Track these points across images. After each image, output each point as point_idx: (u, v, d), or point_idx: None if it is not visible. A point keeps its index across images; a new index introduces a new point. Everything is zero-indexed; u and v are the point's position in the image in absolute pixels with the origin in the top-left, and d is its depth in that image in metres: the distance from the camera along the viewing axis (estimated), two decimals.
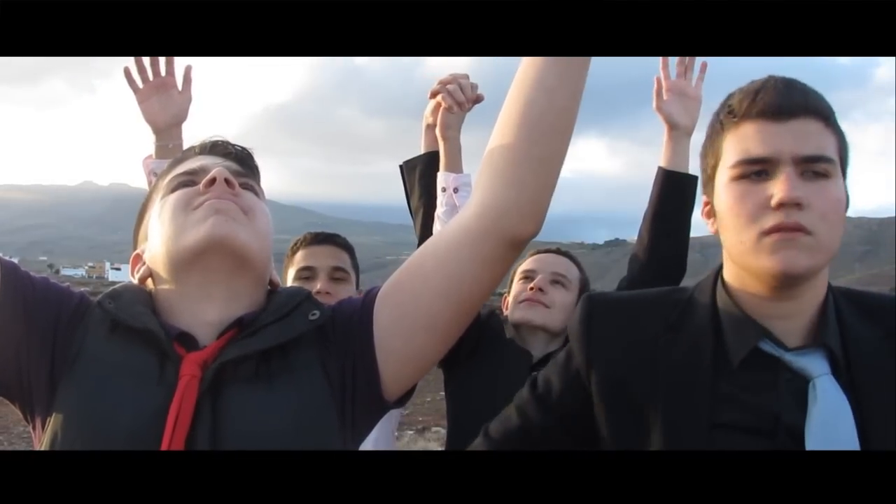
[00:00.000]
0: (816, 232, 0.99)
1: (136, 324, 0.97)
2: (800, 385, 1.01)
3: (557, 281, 1.95)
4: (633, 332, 1.11)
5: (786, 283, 1.02)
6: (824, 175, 1.01)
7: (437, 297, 0.99)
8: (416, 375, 1.06)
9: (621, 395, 1.08)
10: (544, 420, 1.18)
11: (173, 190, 1.05)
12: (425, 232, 1.95)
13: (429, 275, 1.00)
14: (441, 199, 1.90)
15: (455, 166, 1.91)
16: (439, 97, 1.87)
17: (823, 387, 1.00)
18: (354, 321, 1.03)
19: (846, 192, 1.04)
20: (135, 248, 1.13)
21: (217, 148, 1.11)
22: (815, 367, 1.02)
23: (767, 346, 1.04)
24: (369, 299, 1.04)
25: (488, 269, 0.99)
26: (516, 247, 0.99)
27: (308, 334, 1.01)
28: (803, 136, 1.01)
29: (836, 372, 1.02)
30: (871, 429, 0.98)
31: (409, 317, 1.00)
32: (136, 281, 1.07)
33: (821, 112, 1.03)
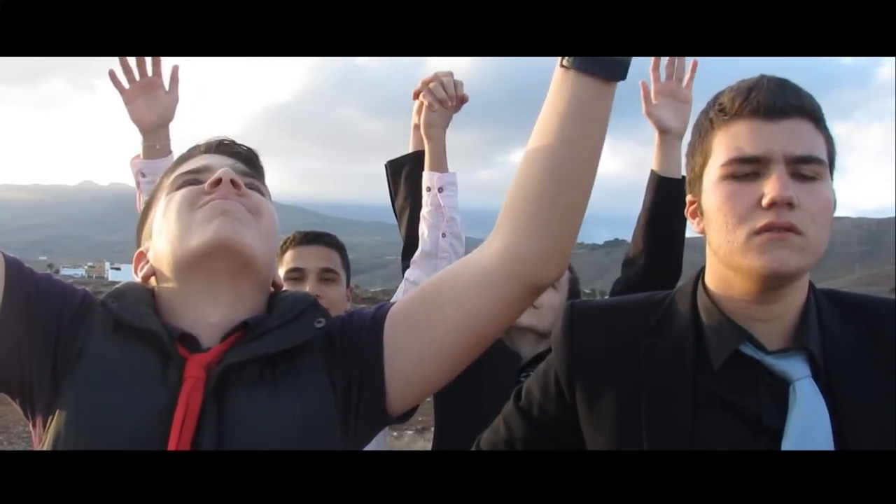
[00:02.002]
0: (807, 232, 0.99)
1: (139, 324, 0.97)
2: (780, 388, 1.01)
3: None
4: (614, 337, 1.11)
5: (774, 284, 1.02)
6: (815, 176, 1.01)
7: (450, 329, 0.99)
8: (422, 396, 1.06)
9: (604, 401, 1.08)
10: (527, 431, 1.19)
11: (178, 188, 1.05)
12: (411, 232, 1.94)
13: (445, 305, 0.99)
14: (426, 198, 1.88)
15: (440, 165, 1.89)
16: (422, 96, 1.87)
17: (803, 390, 1.00)
18: (364, 334, 1.03)
19: (833, 194, 1.04)
20: (138, 246, 1.12)
21: (223, 147, 1.11)
22: (796, 370, 1.02)
23: (748, 350, 1.04)
24: (380, 315, 1.03)
25: (506, 309, 1.00)
26: (537, 291, 0.99)
27: (313, 341, 1.01)
28: (795, 136, 1.00)
29: (816, 374, 1.02)
30: (848, 432, 0.99)
31: (420, 342, 1.00)
32: (139, 279, 1.07)
33: (812, 113, 1.02)
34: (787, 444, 0.98)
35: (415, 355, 1.00)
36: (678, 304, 1.11)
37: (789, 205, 0.98)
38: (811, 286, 1.08)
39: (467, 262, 1.02)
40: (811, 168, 1.00)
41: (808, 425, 0.98)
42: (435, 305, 1.00)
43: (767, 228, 0.98)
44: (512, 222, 0.98)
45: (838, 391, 1.01)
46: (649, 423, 1.04)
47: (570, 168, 0.95)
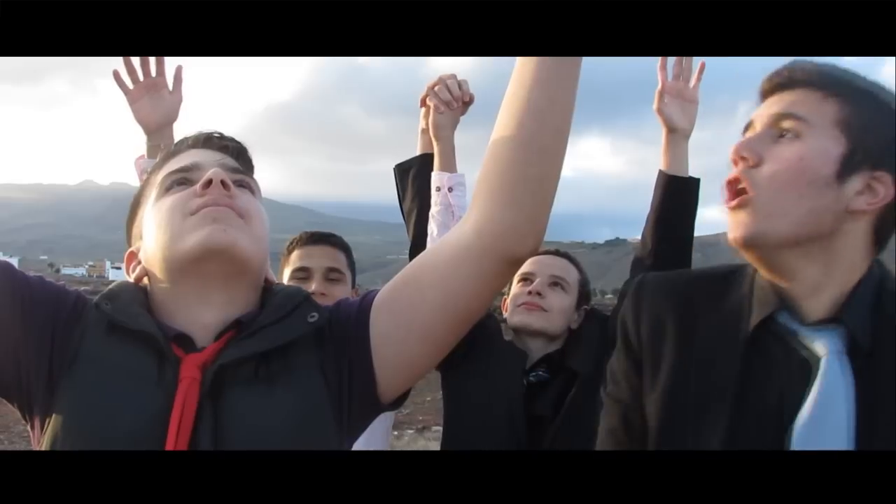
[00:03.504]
0: (759, 190, 0.97)
1: (133, 325, 0.97)
2: (811, 362, 0.98)
3: (556, 283, 1.95)
4: (678, 305, 1.09)
5: (747, 250, 1.01)
6: (794, 134, 0.98)
7: (434, 310, 0.99)
8: (411, 381, 1.06)
9: (662, 358, 1.07)
10: (625, 408, 1.13)
11: (168, 189, 1.03)
12: (419, 232, 1.97)
13: (426, 288, 1.00)
14: (435, 198, 1.91)
15: (449, 166, 1.92)
16: (428, 100, 1.90)
17: (829, 366, 0.96)
18: (351, 324, 1.03)
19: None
20: (129, 245, 1.11)
21: (211, 141, 1.09)
22: (828, 344, 0.97)
23: (784, 319, 1.01)
24: (366, 303, 1.04)
25: (486, 285, 1.00)
26: (515, 264, 1.00)
27: (307, 336, 1.01)
28: (786, 103, 1.00)
29: (855, 353, 0.97)
30: (874, 415, 0.94)
31: (404, 326, 1.00)
32: (131, 279, 1.07)
33: (817, 83, 1.00)
34: (799, 419, 0.95)
35: (401, 340, 1.01)
36: (742, 277, 1.08)
37: (744, 159, 0.97)
38: (877, 265, 1.03)
39: (445, 241, 1.02)
40: (786, 123, 0.98)
41: (825, 402, 0.95)
42: (416, 289, 1.01)
43: (724, 186, 1.00)
44: (486, 197, 0.97)
45: (876, 374, 0.96)
46: (696, 395, 1.01)
47: (539, 139, 0.95)
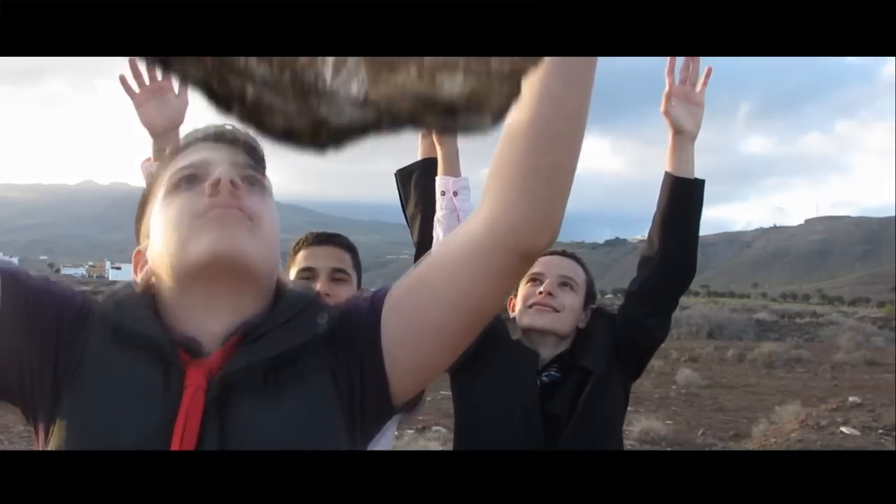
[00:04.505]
0: None
1: (139, 330, 0.95)
2: None
3: (566, 283, 1.98)
4: None
5: None
6: None
7: (445, 310, 0.96)
8: (425, 382, 1.04)
9: None
10: None
11: (176, 186, 1.00)
12: (423, 236, 1.98)
13: (437, 287, 0.96)
14: (440, 202, 1.92)
15: (453, 170, 1.93)
16: None
17: None
18: (362, 325, 1.00)
19: None
20: (137, 242, 1.09)
21: (222, 136, 1.05)
22: None
23: None
24: (377, 303, 1.00)
25: (499, 282, 0.96)
26: (529, 259, 0.96)
27: (316, 339, 0.98)
28: None
29: None
30: None
31: (416, 327, 0.97)
32: (138, 280, 1.04)
33: None
34: None
35: (413, 342, 0.98)
36: None
37: None
38: None
39: (453, 240, 0.99)
40: None
41: None
42: (427, 288, 0.97)
43: None
44: (498, 189, 0.93)
45: None
46: None
47: (555, 126, 0.91)
